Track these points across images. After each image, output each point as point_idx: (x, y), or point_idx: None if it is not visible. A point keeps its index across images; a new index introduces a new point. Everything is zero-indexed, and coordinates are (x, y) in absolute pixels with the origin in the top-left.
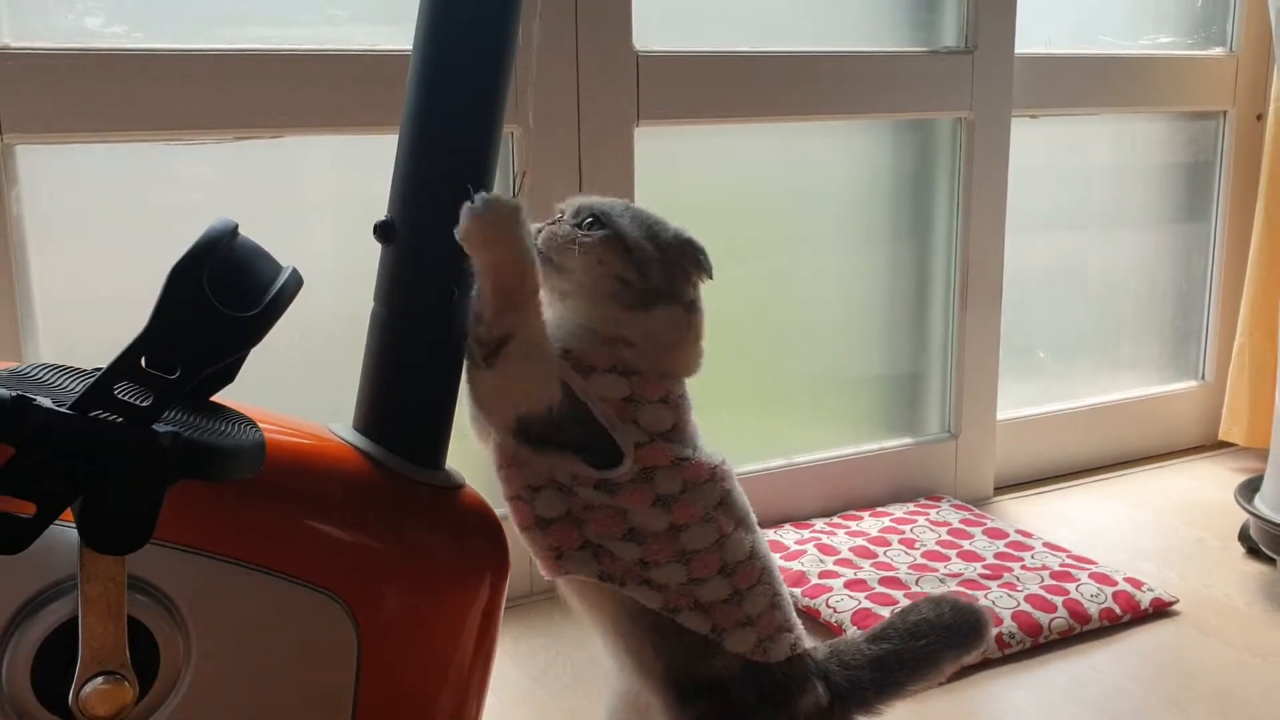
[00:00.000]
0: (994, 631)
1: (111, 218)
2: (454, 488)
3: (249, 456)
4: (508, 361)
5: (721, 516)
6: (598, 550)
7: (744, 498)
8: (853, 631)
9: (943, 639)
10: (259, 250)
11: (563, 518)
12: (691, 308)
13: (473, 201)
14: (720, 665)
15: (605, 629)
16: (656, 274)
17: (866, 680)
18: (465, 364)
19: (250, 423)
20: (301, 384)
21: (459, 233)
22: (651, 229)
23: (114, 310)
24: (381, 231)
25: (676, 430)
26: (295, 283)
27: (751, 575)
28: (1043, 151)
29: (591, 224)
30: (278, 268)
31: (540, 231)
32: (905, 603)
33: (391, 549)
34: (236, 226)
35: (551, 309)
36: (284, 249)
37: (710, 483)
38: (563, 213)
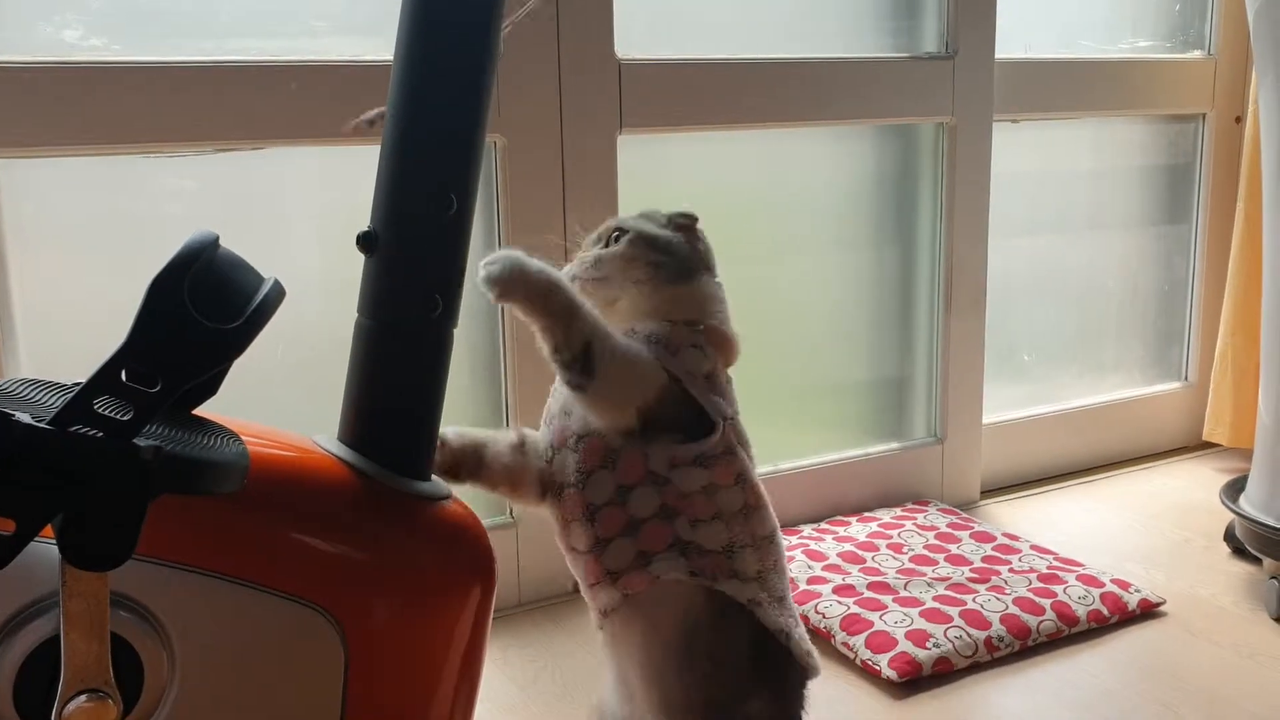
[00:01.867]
0: None
1: (92, 231)
2: (440, 498)
3: (232, 470)
4: (604, 363)
5: (770, 510)
6: (685, 548)
7: None
8: (841, 636)
9: None
10: (240, 262)
11: (656, 514)
12: (719, 286)
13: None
14: (751, 709)
15: (634, 660)
16: (681, 247)
17: None
18: (575, 397)
19: (234, 436)
20: (286, 396)
21: (494, 299)
22: (658, 218)
23: (95, 324)
24: (364, 242)
25: (736, 410)
26: (277, 294)
27: (786, 566)
28: (1024, 155)
29: (617, 238)
30: (259, 279)
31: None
32: (894, 608)
33: (378, 561)
34: (218, 238)
35: (610, 322)
36: (266, 261)
37: (754, 469)
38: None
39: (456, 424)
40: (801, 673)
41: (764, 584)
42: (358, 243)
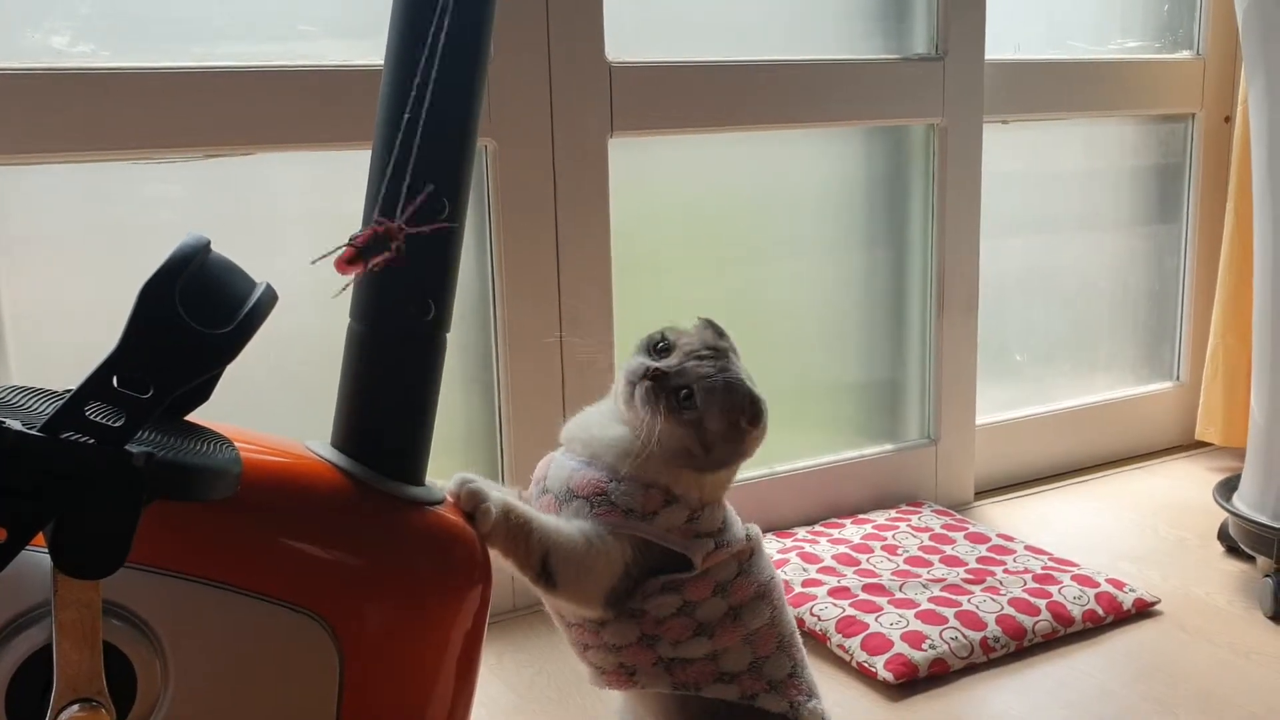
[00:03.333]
0: None
1: (81, 237)
2: (435, 502)
3: (225, 476)
4: (563, 568)
5: (771, 590)
6: (670, 664)
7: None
8: (837, 639)
9: None
10: (232, 266)
11: (635, 642)
12: (738, 467)
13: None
14: None
15: (651, 712)
16: (721, 449)
17: None
18: (545, 595)
19: (226, 441)
20: (278, 402)
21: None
22: (736, 398)
23: (85, 331)
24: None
25: (725, 522)
26: (269, 298)
27: (795, 640)
28: (1015, 156)
29: (687, 397)
30: (251, 283)
31: (645, 376)
32: (890, 610)
33: (373, 566)
34: (209, 243)
35: (619, 428)
36: (258, 267)
37: (755, 557)
38: (669, 347)
39: (448, 430)
40: None
41: (759, 672)
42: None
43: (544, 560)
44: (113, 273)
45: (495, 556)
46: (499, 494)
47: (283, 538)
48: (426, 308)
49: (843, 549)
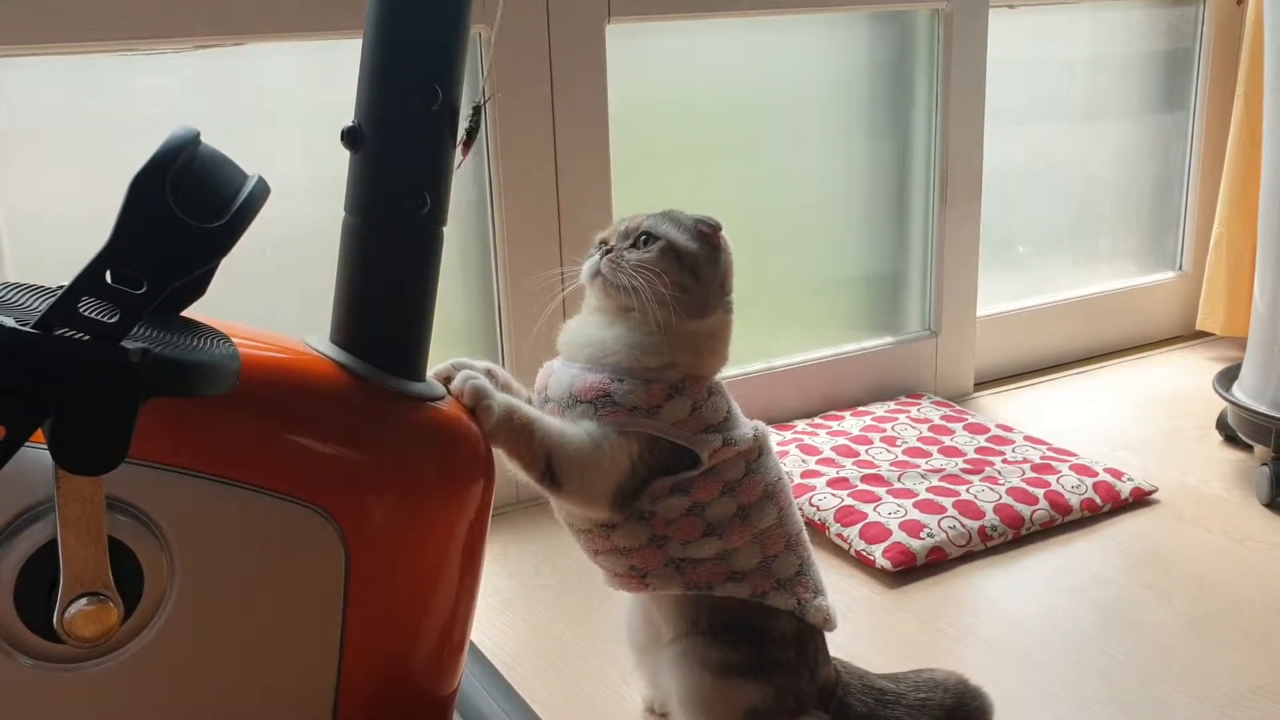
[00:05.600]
0: None
1: (71, 133)
2: (436, 398)
3: (223, 371)
4: (568, 468)
5: (779, 491)
6: (681, 565)
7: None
8: (835, 528)
9: (943, 707)
10: (223, 159)
11: (646, 544)
12: (729, 308)
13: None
14: (776, 624)
15: (661, 614)
16: (706, 269)
17: (859, 689)
18: (551, 498)
19: (224, 337)
20: (276, 298)
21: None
22: (685, 222)
23: (79, 225)
24: (349, 138)
25: (729, 414)
26: (262, 191)
27: (802, 539)
28: (1021, 43)
29: (646, 241)
30: (243, 176)
31: (599, 257)
32: (888, 500)
33: (375, 461)
34: (199, 134)
35: (612, 328)
36: (250, 160)
37: (763, 457)
38: (607, 241)
39: (448, 327)
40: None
41: (768, 571)
42: (342, 138)
43: (548, 460)
44: (103, 167)
45: (500, 459)
46: (503, 394)
47: (286, 433)
48: (421, 200)
49: (842, 440)
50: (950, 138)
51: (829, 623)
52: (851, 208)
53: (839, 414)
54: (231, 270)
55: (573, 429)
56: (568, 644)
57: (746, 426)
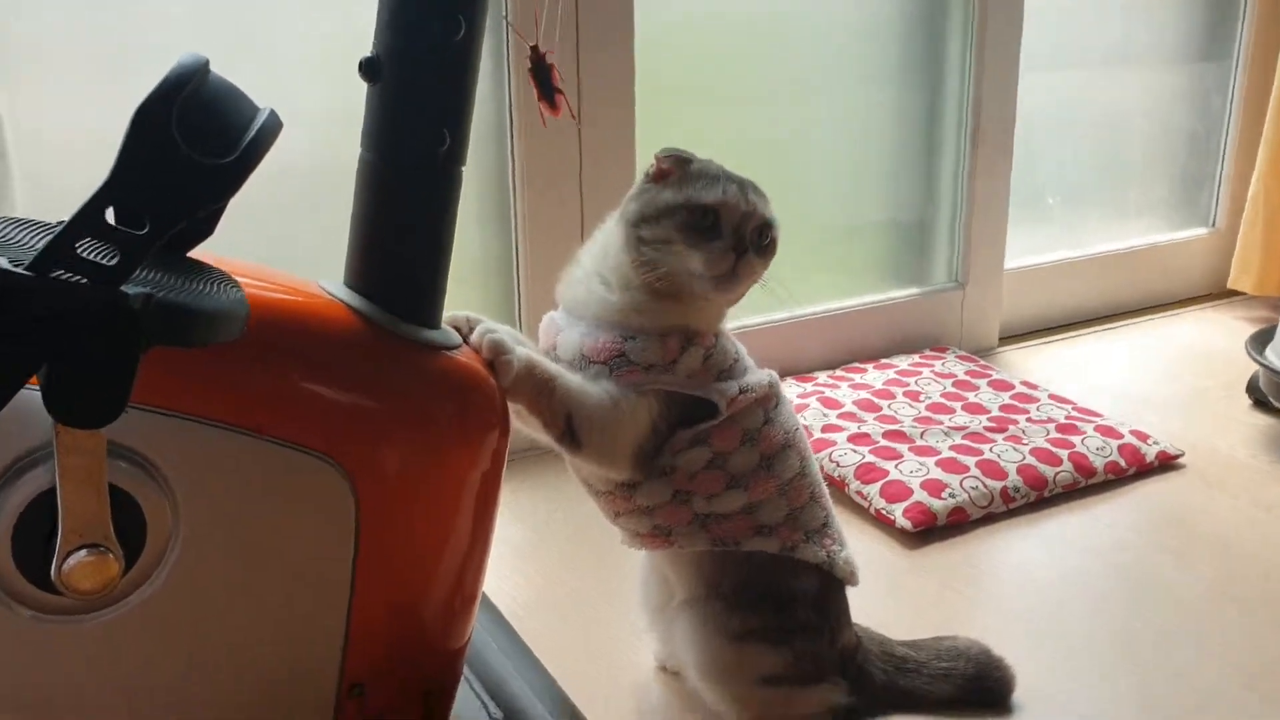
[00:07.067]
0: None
1: (78, 61)
2: (452, 347)
3: (230, 319)
4: (588, 428)
5: (799, 440)
6: (706, 520)
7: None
8: (855, 485)
9: (964, 677)
10: (233, 90)
11: (669, 501)
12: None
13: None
14: (799, 584)
15: (682, 573)
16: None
17: (879, 655)
18: (568, 460)
19: (231, 281)
20: (292, 238)
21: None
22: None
23: (85, 159)
24: (367, 69)
25: (738, 357)
26: (274, 125)
27: (823, 490)
28: None
29: (761, 234)
30: (254, 109)
31: (732, 259)
32: (910, 457)
33: (388, 410)
34: (207, 63)
35: (627, 291)
36: (263, 91)
37: (779, 405)
38: (716, 224)
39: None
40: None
41: (795, 523)
42: (360, 70)
43: (568, 420)
44: (110, 98)
45: (515, 417)
46: (523, 349)
47: (295, 380)
48: (441, 137)
49: (864, 394)
50: (985, 82)
51: (854, 576)
52: (880, 154)
53: (861, 366)
54: (243, 207)
55: (593, 388)
56: (580, 595)
57: (760, 373)
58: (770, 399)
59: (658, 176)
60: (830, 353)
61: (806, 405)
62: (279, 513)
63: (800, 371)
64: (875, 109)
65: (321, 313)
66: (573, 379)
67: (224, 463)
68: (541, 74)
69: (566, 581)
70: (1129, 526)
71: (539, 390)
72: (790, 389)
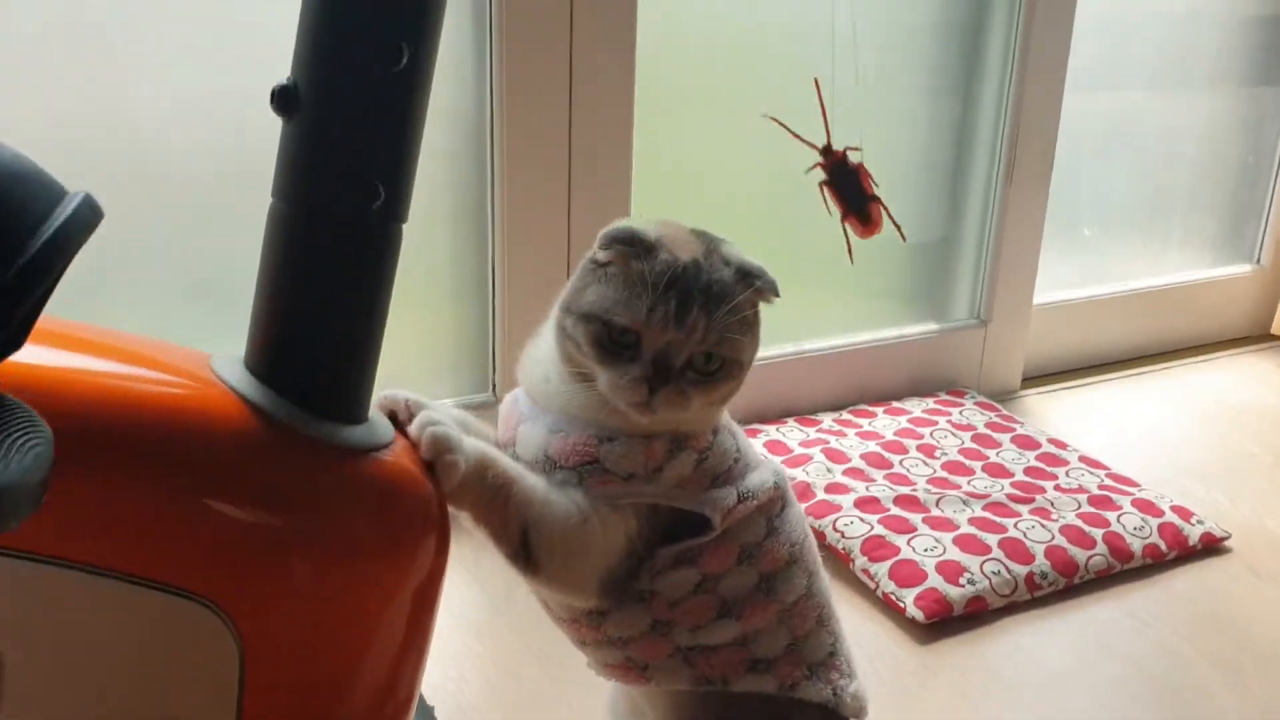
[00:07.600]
0: None
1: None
2: (378, 446)
3: (13, 498)
4: (548, 548)
5: (806, 552)
6: (690, 655)
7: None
8: (862, 561)
9: None
10: (27, 170)
11: (645, 633)
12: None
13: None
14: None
15: (656, 709)
16: (751, 355)
17: None
18: (524, 579)
19: (32, 428)
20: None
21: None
22: (738, 290)
23: None
24: (281, 100)
25: (740, 453)
26: (84, 219)
27: (832, 611)
28: None
29: (716, 369)
30: (58, 193)
31: (646, 384)
32: (924, 530)
33: (286, 533)
34: None
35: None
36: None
37: (786, 509)
38: (647, 325)
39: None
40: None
41: (797, 655)
42: (272, 100)
43: (524, 535)
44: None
45: (455, 520)
46: (472, 442)
47: (163, 503)
48: (373, 190)
49: (873, 445)
50: (1025, 100)
51: (863, 711)
52: (904, 172)
53: (871, 410)
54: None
55: (559, 498)
56: (540, 694)
57: (765, 470)
58: (775, 503)
59: (598, 261)
60: (838, 392)
61: (810, 457)
62: (142, 665)
63: (803, 412)
64: (901, 127)
65: (205, 411)
66: (534, 485)
67: (61, 607)
68: (843, 181)
69: (525, 673)
70: (1171, 627)
71: (491, 497)
72: (792, 434)
